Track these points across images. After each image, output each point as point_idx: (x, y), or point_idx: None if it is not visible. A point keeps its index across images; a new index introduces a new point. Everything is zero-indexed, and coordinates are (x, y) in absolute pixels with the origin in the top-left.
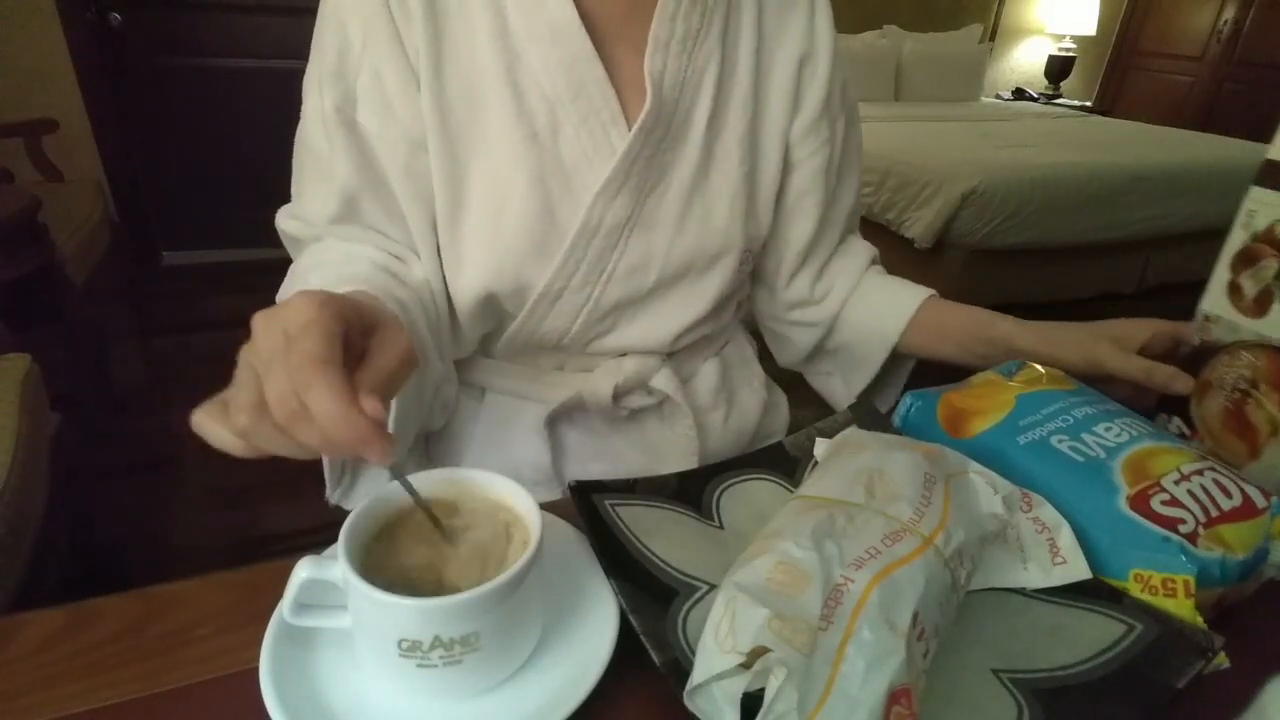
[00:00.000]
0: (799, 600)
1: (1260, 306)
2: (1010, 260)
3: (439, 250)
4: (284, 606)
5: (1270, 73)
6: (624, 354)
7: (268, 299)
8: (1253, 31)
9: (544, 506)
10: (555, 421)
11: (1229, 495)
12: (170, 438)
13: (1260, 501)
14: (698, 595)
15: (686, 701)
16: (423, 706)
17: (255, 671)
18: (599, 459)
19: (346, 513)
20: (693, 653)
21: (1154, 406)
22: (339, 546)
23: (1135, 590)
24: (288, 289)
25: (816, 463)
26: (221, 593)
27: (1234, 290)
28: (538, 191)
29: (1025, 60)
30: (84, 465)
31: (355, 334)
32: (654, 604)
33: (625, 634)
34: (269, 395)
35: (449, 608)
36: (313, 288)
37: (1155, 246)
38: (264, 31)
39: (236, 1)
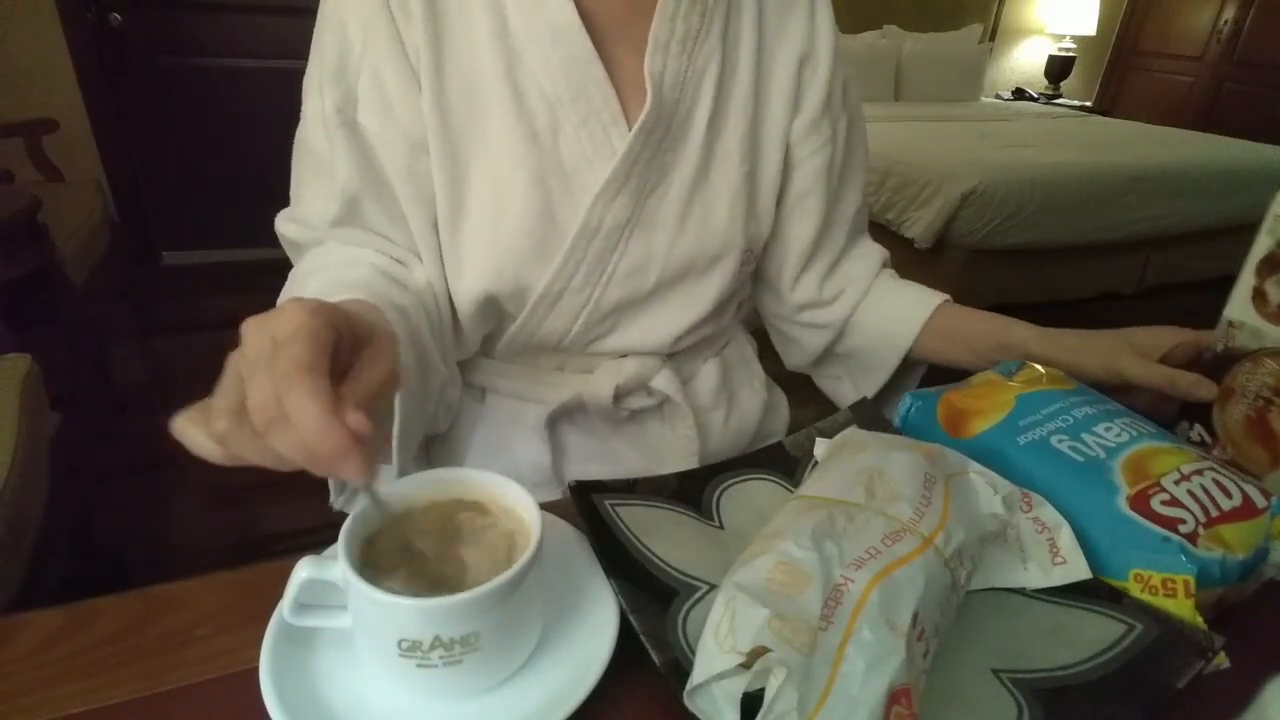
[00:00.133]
0: (799, 600)
1: None
2: (1010, 260)
3: (440, 252)
4: (284, 606)
5: (1270, 73)
6: (624, 355)
7: (268, 299)
8: (1253, 31)
9: (544, 506)
10: (555, 422)
11: (1229, 495)
12: (170, 438)
13: (1260, 501)
14: (698, 595)
15: (686, 701)
16: (423, 706)
17: (255, 671)
18: (599, 460)
19: (346, 513)
20: (693, 653)
21: (1175, 415)
22: (339, 546)
23: (1135, 590)
24: (288, 293)
25: (816, 463)
26: (221, 593)
27: (1259, 296)
28: (538, 192)
29: (1025, 60)
30: (84, 465)
31: (345, 346)
32: (654, 604)
33: (625, 634)
34: (251, 400)
35: (449, 608)
36: (312, 293)
37: (1155, 246)
38: (264, 31)
39: (236, 1)
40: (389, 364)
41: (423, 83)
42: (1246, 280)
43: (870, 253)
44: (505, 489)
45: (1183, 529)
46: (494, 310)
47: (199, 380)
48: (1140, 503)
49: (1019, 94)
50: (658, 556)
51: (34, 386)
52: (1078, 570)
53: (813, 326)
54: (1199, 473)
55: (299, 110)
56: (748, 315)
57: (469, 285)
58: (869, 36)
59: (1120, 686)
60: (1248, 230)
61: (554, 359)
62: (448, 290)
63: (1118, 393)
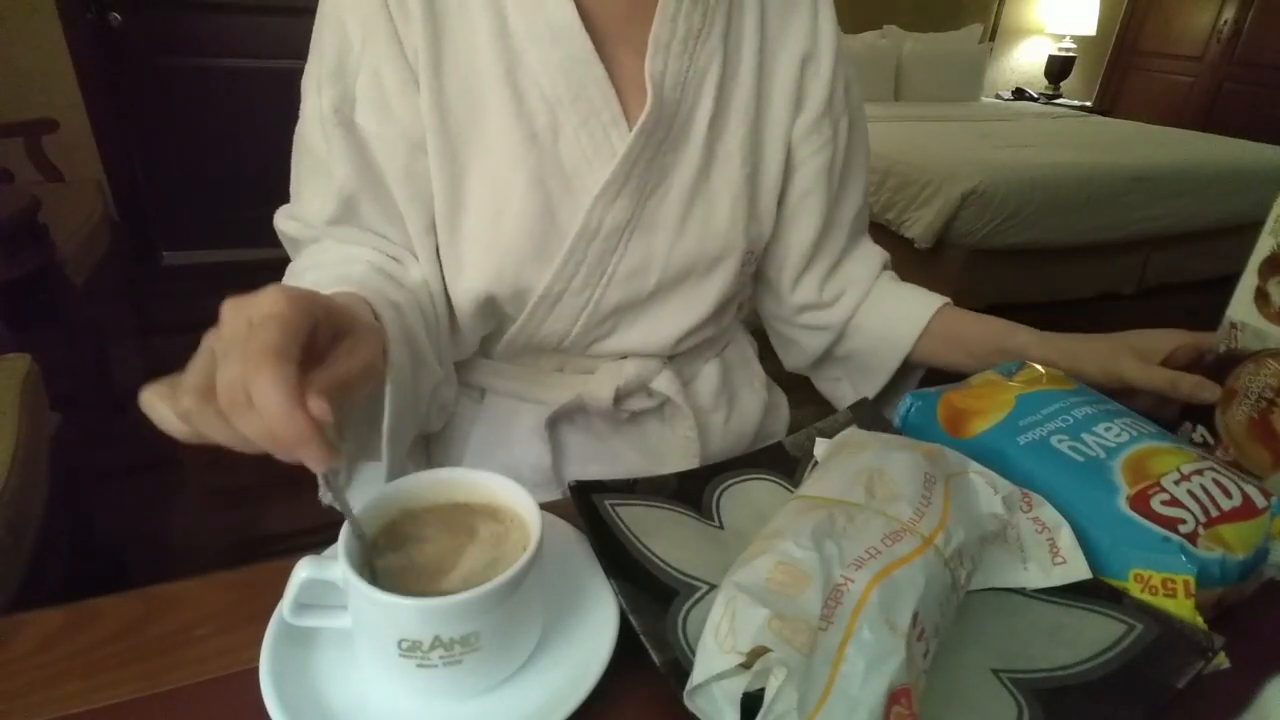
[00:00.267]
0: (799, 600)
1: None
2: (1010, 260)
3: (438, 252)
4: (284, 606)
5: (1270, 73)
6: (625, 356)
7: None
8: (1253, 31)
9: (544, 506)
10: (555, 423)
11: (1229, 495)
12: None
13: (1260, 501)
14: (698, 595)
15: (686, 701)
16: (423, 706)
17: (255, 671)
18: (599, 460)
19: (335, 509)
20: (693, 653)
21: (1177, 417)
22: (339, 546)
23: (1135, 590)
24: None
25: (816, 463)
26: (221, 593)
27: (1261, 297)
28: (537, 193)
29: (1025, 60)
30: (84, 465)
31: (324, 335)
32: (654, 604)
33: (625, 634)
34: (219, 380)
35: (449, 608)
36: (306, 287)
37: (1155, 246)
38: (264, 31)
39: (236, 1)
40: (367, 356)
41: (421, 83)
42: (1249, 281)
43: (871, 254)
44: (505, 489)
45: (1183, 529)
46: (493, 311)
47: None
48: (1140, 503)
49: (1019, 94)
50: (658, 556)
51: (34, 386)
52: (1078, 570)
53: (812, 329)
54: (1199, 473)
55: (299, 110)
56: (748, 316)
57: (468, 286)
58: (869, 36)
59: (1120, 686)
60: (1248, 230)
61: (554, 360)
62: (444, 290)
63: (1119, 396)
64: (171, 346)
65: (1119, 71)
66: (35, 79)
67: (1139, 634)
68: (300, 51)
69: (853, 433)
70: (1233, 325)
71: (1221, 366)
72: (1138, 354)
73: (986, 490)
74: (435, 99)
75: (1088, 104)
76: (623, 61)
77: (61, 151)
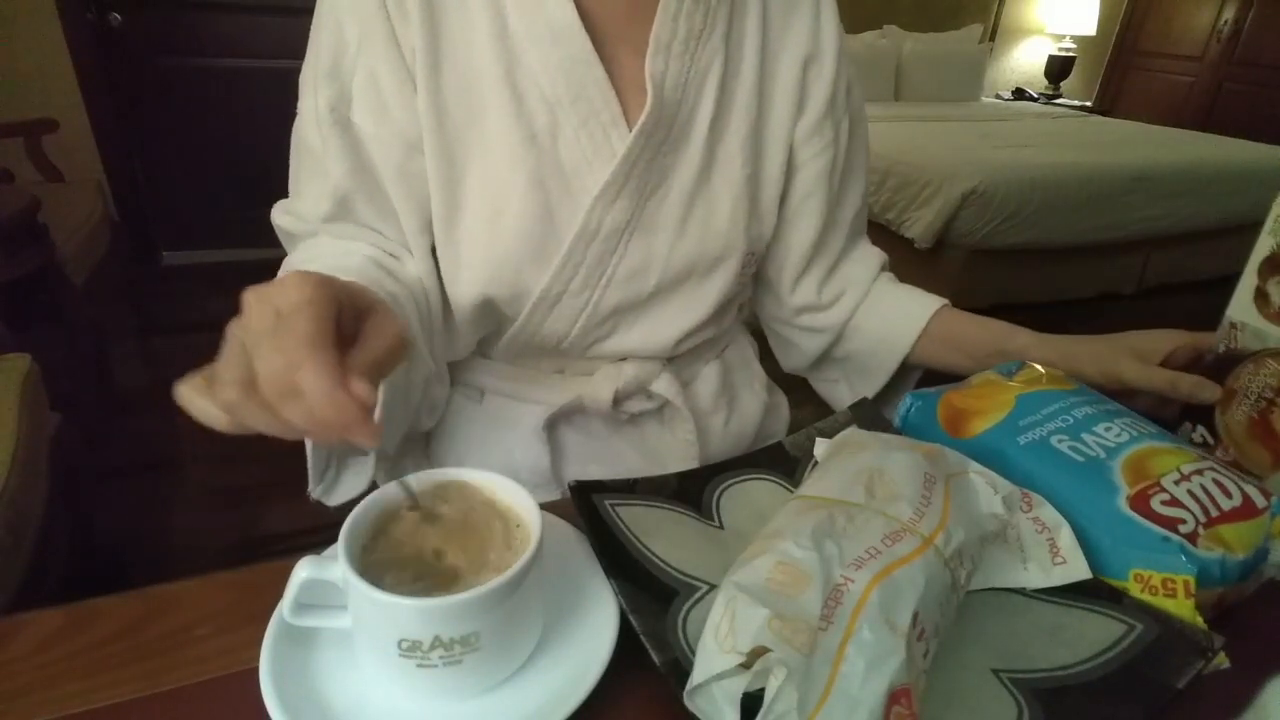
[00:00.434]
0: (799, 600)
1: None
2: (1010, 260)
3: (434, 252)
4: (284, 606)
5: (1270, 73)
6: (624, 358)
7: None
8: (1253, 31)
9: (544, 506)
10: (554, 424)
11: (1229, 495)
12: (170, 438)
13: (1260, 501)
14: (698, 595)
15: (686, 701)
16: (423, 706)
17: (255, 671)
18: (598, 461)
19: (346, 512)
20: (693, 653)
21: (1177, 417)
22: (339, 546)
23: (1135, 590)
24: None
25: (816, 463)
26: (221, 593)
27: (1260, 297)
28: (536, 194)
29: (1025, 60)
30: (84, 465)
31: (348, 317)
32: (654, 604)
33: (625, 634)
34: (260, 372)
35: (449, 608)
36: None
37: (1155, 246)
38: (264, 31)
39: (236, 1)
40: (395, 331)
41: (419, 83)
42: (1248, 281)
43: (869, 256)
44: (505, 488)
45: (1183, 529)
46: (491, 312)
47: None
48: (1140, 503)
49: (1019, 94)
50: (658, 556)
51: (34, 386)
52: (1078, 570)
53: (811, 330)
54: (1199, 472)
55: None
56: (748, 316)
57: (466, 287)
58: (869, 36)
59: (1120, 686)
60: (1248, 230)
61: (553, 362)
62: (440, 287)
63: (1119, 396)
64: (171, 346)
65: (1119, 71)
66: (35, 79)
67: (1139, 634)
68: (300, 51)
69: (853, 433)
70: (1232, 325)
71: (1221, 366)
72: (1137, 354)
73: (986, 490)
74: (433, 99)
75: (1088, 104)
76: (623, 62)
77: (61, 151)
